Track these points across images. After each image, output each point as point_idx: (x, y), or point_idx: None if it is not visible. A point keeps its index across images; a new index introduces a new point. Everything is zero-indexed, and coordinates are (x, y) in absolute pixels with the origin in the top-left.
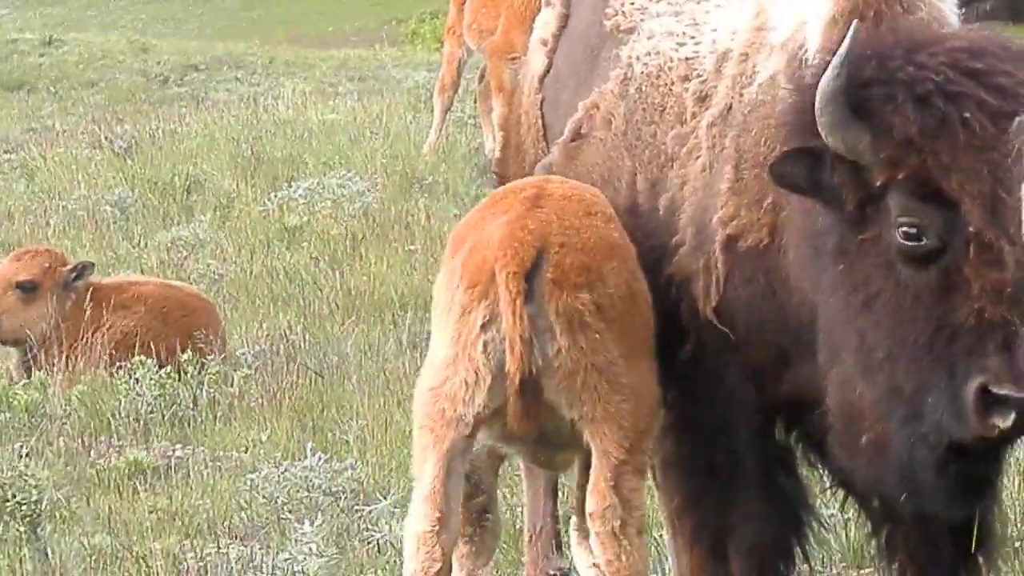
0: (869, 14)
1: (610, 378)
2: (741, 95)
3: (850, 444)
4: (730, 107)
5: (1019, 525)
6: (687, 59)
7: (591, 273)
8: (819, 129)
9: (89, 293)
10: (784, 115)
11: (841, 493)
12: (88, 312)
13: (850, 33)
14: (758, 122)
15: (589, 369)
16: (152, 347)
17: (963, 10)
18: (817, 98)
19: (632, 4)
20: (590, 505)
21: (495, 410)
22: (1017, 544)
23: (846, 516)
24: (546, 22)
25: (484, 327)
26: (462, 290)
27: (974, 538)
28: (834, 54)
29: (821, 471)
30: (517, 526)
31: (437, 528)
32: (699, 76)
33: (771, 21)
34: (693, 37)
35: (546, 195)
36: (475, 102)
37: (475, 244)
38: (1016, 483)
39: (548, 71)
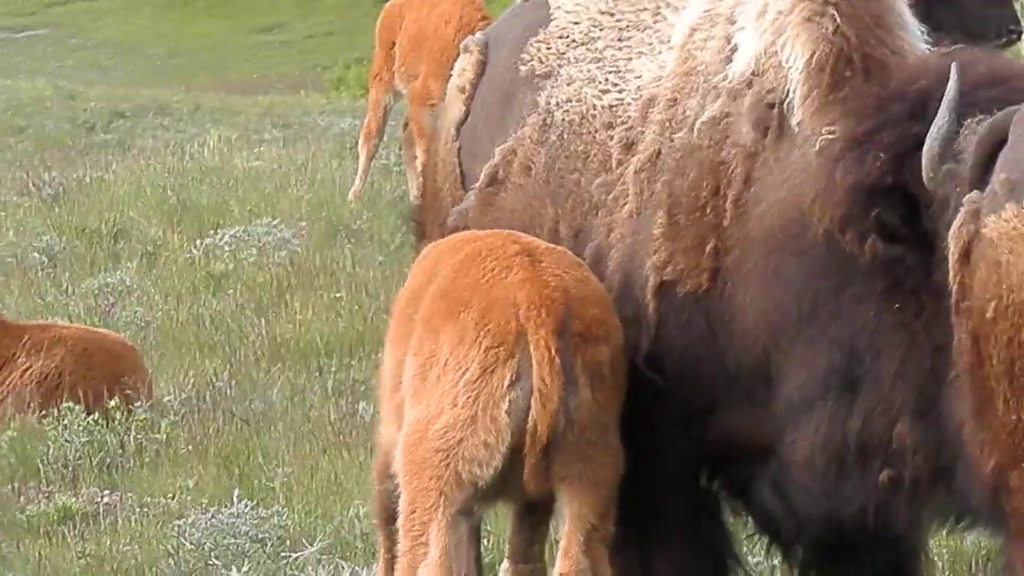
0: (855, 57)
1: (606, 438)
2: (672, 140)
3: (843, 480)
4: (659, 153)
5: (946, 572)
6: (611, 106)
7: (606, 325)
8: (927, 174)
9: (5, 331)
10: (851, 167)
11: (766, 540)
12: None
13: (953, 77)
14: (696, 166)
15: (596, 426)
16: (77, 390)
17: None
18: (929, 145)
19: (548, 49)
20: (562, 567)
21: (505, 471)
22: None
23: (772, 563)
24: (463, 69)
25: (510, 387)
26: (481, 350)
27: None
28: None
29: (745, 518)
30: None
31: None
32: (624, 123)
33: (705, 66)
34: (616, 84)
35: (535, 249)
36: (400, 149)
37: (491, 304)
38: (943, 531)
39: (466, 119)
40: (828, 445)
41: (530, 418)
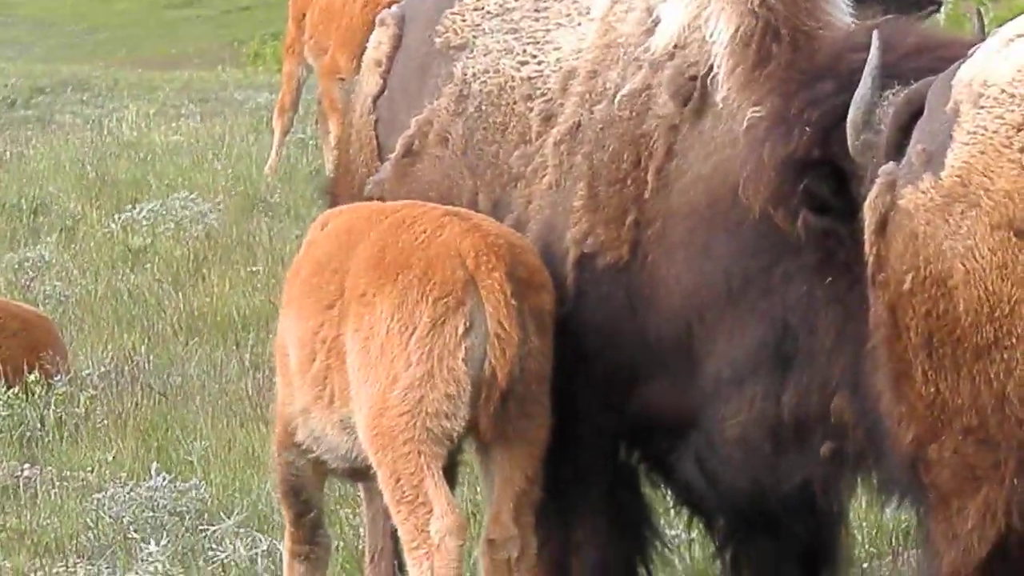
0: (783, 31)
1: (545, 395)
2: (592, 112)
3: (781, 455)
4: (579, 125)
5: (866, 546)
6: (530, 78)
7: (544, 275)
8: (852, 143)
9: None
10: (778, 143)
11: (686, 513)
12: None
13: (874, 45)
14: (616, 138)
15: (542, 378)
16: None
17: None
18: (852, 115)
19: (463, 20)
20: (491, 533)
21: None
22: (864, 565)
23: (690, 536)
24: (379, 42)
25: (464, 335)
26: (429, 303)
27: (820, 557)
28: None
29: (665, 491)
30: (360, 547)
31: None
32: (543, 95)
33: (626, 38)
34: (535, 56)
35: (460, 211)
36: (316, 123)
37: (432, 259)
38: (863, 503)
39: (382, 92)
40: (763, 420)
41: (486, 365)
